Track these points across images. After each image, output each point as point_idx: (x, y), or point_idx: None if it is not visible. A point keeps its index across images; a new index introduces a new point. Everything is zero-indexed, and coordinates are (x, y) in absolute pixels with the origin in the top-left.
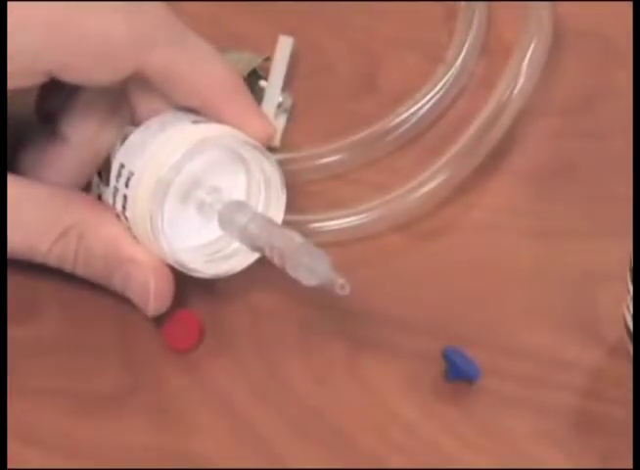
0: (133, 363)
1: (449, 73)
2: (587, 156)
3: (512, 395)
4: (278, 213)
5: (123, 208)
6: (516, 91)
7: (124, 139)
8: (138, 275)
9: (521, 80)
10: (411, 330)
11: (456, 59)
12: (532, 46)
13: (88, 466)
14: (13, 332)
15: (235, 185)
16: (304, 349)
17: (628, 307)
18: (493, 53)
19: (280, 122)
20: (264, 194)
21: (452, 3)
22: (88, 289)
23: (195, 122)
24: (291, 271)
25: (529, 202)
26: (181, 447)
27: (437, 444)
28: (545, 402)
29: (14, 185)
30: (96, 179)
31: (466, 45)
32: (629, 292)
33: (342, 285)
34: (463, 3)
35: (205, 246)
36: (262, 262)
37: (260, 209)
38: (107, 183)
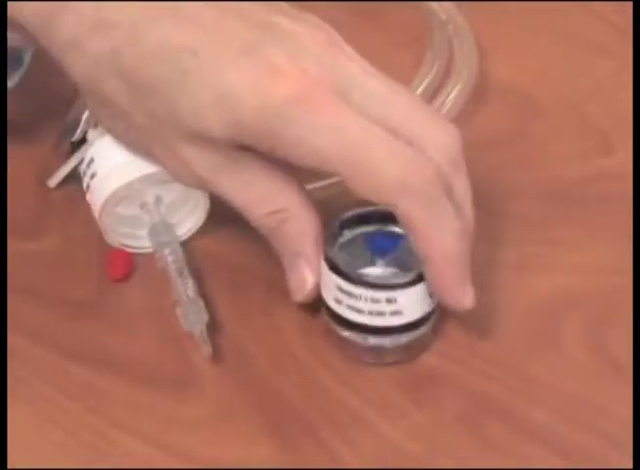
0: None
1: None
2: None
3: (511, 394)
4: (189, 231)
5: (88, 186)
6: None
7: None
8: (303, 273)
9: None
10: None
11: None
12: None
13: (90, 466)
14: None
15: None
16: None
17: None
18: None
19: None
20: (188, 211)
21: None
22: None
23: None
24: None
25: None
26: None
27: (436, 444)
28: (543, 402)
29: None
30: (87, 115)
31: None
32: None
33: (207, 350)
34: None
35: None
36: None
37: (179, 218)
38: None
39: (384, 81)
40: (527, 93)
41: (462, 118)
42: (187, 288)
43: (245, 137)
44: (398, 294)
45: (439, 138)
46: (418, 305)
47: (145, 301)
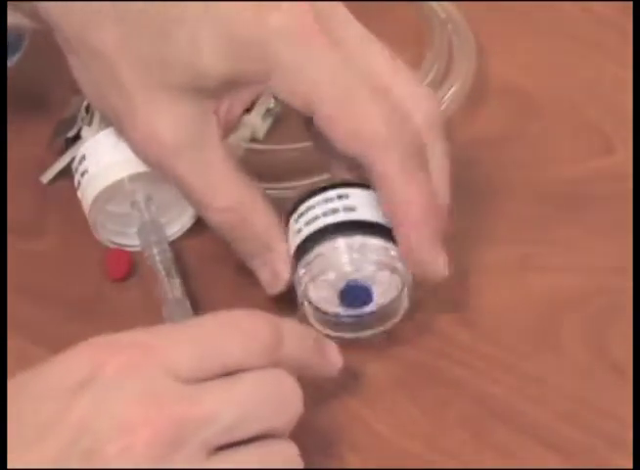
0: None
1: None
2: None
3: (511, 394)
4: (179, 231)
5: (79, 183)
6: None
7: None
8: (276, 265)
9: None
10: None
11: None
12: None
13: None
14: None
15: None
16: None
17: None
18: None
19: (267, 123)
20: (179, 211)
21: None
22: None
23: None
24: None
25: None
26: None
27: (436, 444)
28: (543, 402)
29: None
30: (82, 113)
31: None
32: None
33: None
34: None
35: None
36: None
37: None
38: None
39: (381, 47)
40: (527, 93)
41: (461, 118)
42: (174, 287)
43: (240, 62)
44: (349, 191)
45: (424, 102)
46: (370, 207)
47: (144, 300)
